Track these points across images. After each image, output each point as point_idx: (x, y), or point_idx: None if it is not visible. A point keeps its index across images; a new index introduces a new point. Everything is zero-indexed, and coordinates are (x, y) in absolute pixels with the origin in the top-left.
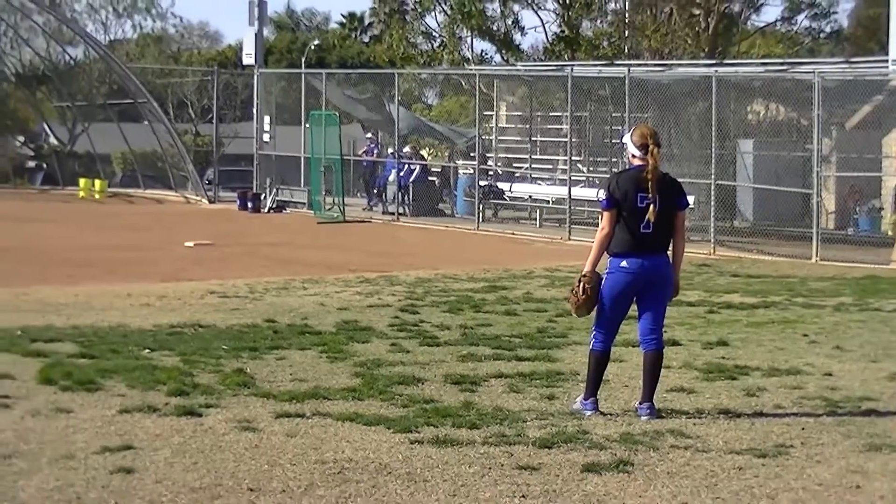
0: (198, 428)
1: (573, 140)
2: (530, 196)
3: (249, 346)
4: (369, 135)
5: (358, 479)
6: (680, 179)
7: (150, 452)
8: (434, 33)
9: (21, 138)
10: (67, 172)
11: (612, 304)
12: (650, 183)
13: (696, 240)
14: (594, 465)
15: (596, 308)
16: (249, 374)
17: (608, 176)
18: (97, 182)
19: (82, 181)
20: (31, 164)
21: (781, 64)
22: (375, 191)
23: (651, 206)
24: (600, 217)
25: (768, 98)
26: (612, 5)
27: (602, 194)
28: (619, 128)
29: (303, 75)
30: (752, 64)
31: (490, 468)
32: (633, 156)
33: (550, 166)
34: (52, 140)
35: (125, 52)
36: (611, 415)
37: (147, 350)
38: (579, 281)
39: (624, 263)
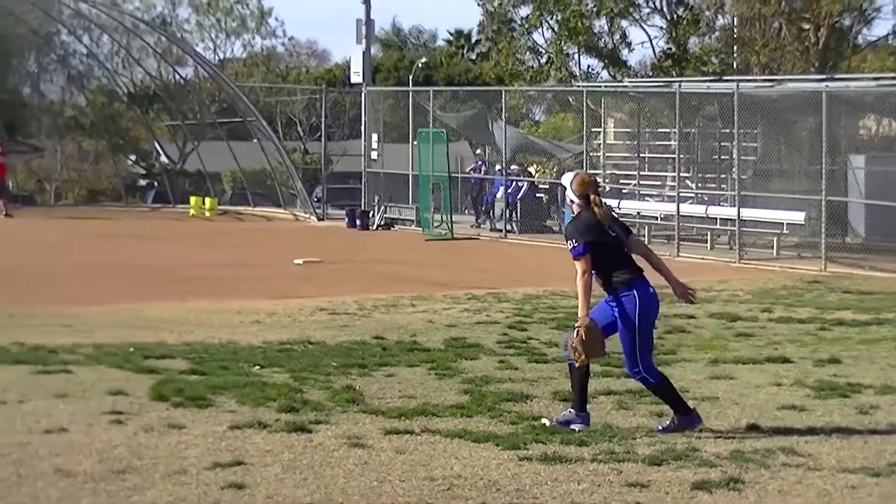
0: (308, 444)
1: (681, 156)
2: (638, 213)
3: (358, 362)
4: (478, 151)
5: (467, 495)
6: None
7: (261, 468)
8: (541, 50)
9: (133, 157)
10: (178, 190)
11: (650, 330)
12: (605, 227)
13: (808, 256)
14: (704, 483)
15: (637, 344)
16: (358, 391)
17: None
18: (207, 200)
19: (193, 199)
20: (143, 182)
21: (894, 78)
22: (483, 208)
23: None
24: (577, 265)
25: (881, 113)
26: (720, 21)
27: (571, 242)
28: (728, 144)
29: (410, 93)
30: (864, 78)
31: (599, 485)
32: (572, 202)
33: (658, 183)
34: (163, 158)
35: (234, 71)
36: (720, 432)
37: (257, 367)
38: (576, 330)
39: (651, 289)
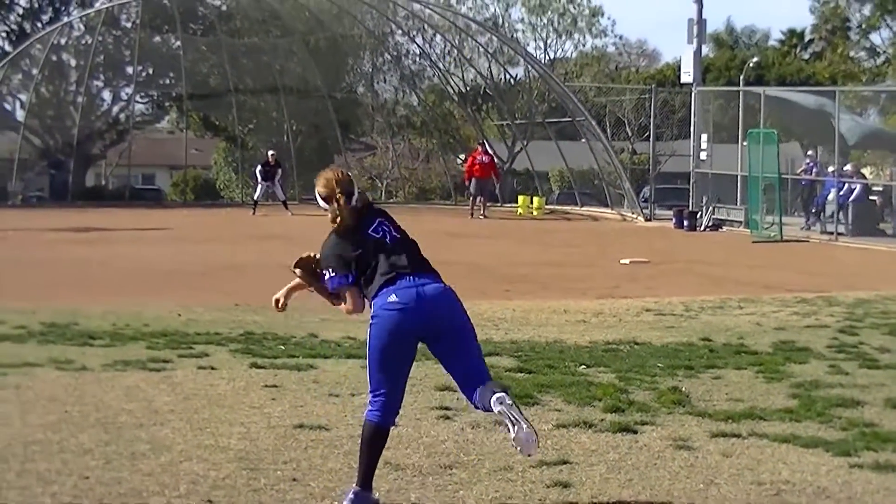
0: (633, 445)
1: None
2: None
3: (685, 364)
4: (809, 152)
5: (796, 501)
6: None
7: (586, 468)
8: (878, 50)
9: (462, 156)
10: (506, 189)
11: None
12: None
13: None
14: None
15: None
16: (685, 393)
17: None
18: (535, 199)
19: (520, 198)
20: None
21: None
22: (814, 210)
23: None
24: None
25: None
26: None
27: (327, 273)
28: None
29: (741, 93)
30: None
31: None
32: (325, 209)
33: None
34: None
35: (564, 70)
36: None
37: (583, 366)
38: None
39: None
